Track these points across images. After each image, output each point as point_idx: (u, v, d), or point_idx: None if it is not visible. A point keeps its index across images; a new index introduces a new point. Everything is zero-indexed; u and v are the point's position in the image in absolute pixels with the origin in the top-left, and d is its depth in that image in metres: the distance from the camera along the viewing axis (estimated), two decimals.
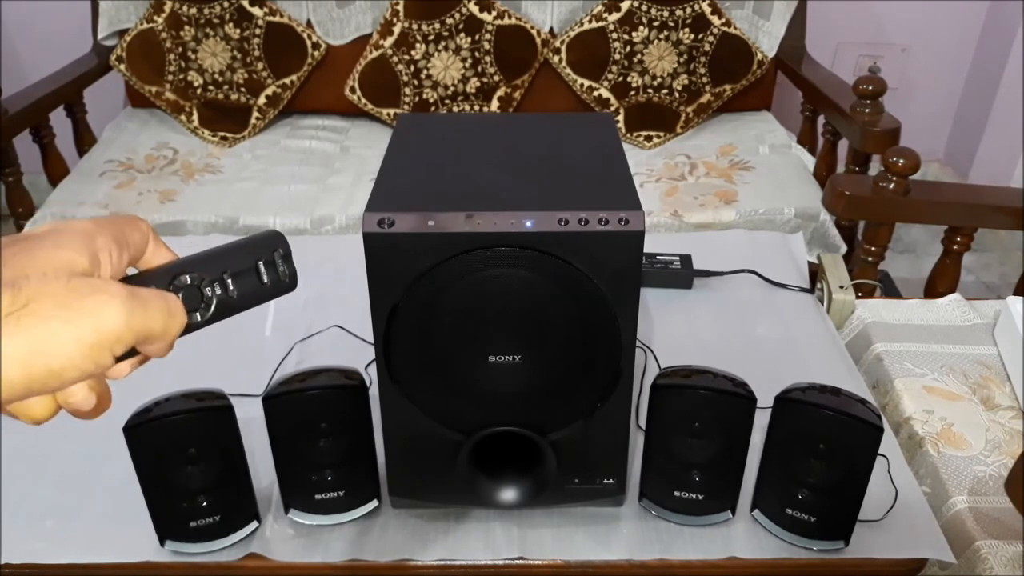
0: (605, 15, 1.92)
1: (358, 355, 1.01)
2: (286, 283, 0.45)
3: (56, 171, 1.89)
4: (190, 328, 0.41)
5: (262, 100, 1.99)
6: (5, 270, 0.34)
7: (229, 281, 0.42)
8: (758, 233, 1.39)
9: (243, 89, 1.98)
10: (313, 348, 1.07)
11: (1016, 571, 0.85)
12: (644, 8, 1.90)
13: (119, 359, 0.38)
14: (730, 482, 0.81)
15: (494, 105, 1.99)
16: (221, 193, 1.77)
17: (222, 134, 1.99)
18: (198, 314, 0.41)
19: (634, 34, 1.92)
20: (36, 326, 0.33)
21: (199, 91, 1.98)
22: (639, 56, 1.94)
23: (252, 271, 0.44)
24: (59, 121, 1.91)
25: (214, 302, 0.42)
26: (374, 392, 0.75)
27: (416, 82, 1.96)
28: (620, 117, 1.98)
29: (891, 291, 2.13)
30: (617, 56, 1.94)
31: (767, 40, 1.99)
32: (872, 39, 2.42)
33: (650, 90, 1.97)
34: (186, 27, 1.93)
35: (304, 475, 0.80)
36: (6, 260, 0.35)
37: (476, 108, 1.99)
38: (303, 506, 0.82)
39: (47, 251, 0.36)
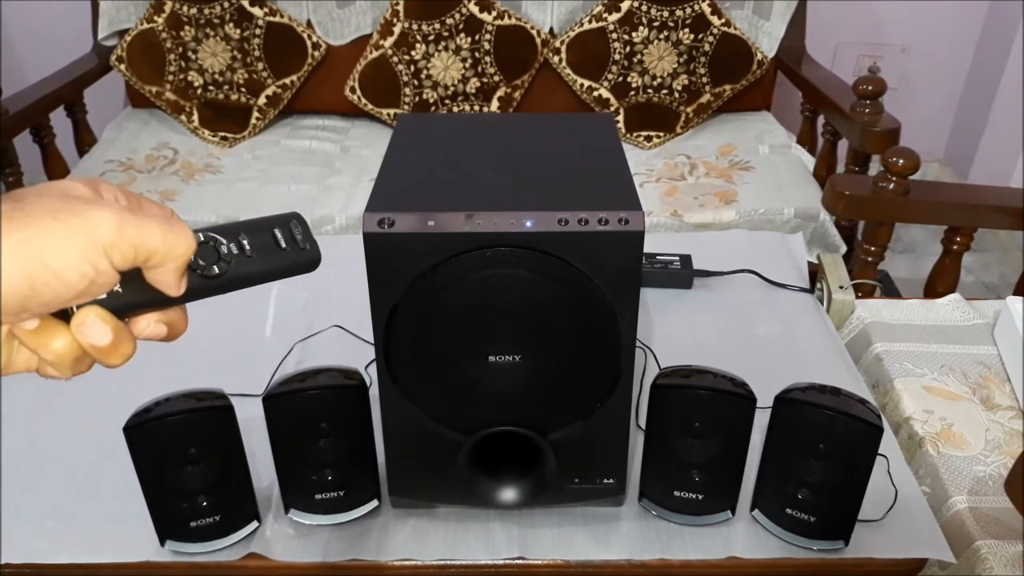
0: (605, 15, 1.92)
1: (358, 355, 1.01)
2: (306, 251, 0.45)
3: (56, 171, 1.89)
4: (209, 286, 0.42)
5: (262, 100, 1.99)
6: (6, 194, 0.36)
7: (245, 242, 0.43)
8: (758, 233, 1.39)
9: (243, 89, 1.98)
10: (313, 348, 1.07)
11: (1016, 571, 0.85)
12: (644, 8, 1.90)
13: (134, 310, 0.39)
14: (730, 482, 0.81)
15: (494, 105, 2.00)
16: (221, 193, 1.77)
17: (222, 134, 1.99)
18: (216, 267, 0.42)
19: (634, 34, 1.92)
20: (31, 225, 0.34)
21: (199, 91, 1.98)
22: (639, 56, 1.94)
23: (268, 234, 0.44)
24: (59, 121, 1.91)
25: (232, 260, 0.42)
26: (374, 392, 0.76)
27: (416, 82, 1.97)
28: (620, 117, 1.99)
29: (891, 291, 2.13)
30: (617, 56, 1.94)
31: (767, 40, 1.99)
32: (872, 39, 2.42)
33: (650, 90, 1.97)
34: (186, 27, 1.93)
35: (304, 475, 0.80)
36: (9, 193, 0.37)
37: (476, 108, 1.99)
38: (303, 506, 0.82)
39: (47, 183, 0.38)
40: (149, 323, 0.41)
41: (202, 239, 0.42)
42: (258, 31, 1.94)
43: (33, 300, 0.35)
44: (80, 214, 0.36)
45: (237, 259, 0.43)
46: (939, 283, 1.42)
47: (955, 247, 1.39)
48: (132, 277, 0.39)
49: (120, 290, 0.39)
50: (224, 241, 0.43)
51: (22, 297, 0.34)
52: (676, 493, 0.82)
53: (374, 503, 0.84)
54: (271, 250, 0.44)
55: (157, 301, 0.40)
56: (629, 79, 1.96)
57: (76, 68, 1.97)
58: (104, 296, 0.38)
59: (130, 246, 0.37)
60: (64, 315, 0.38)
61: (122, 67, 1.99)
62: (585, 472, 0.80)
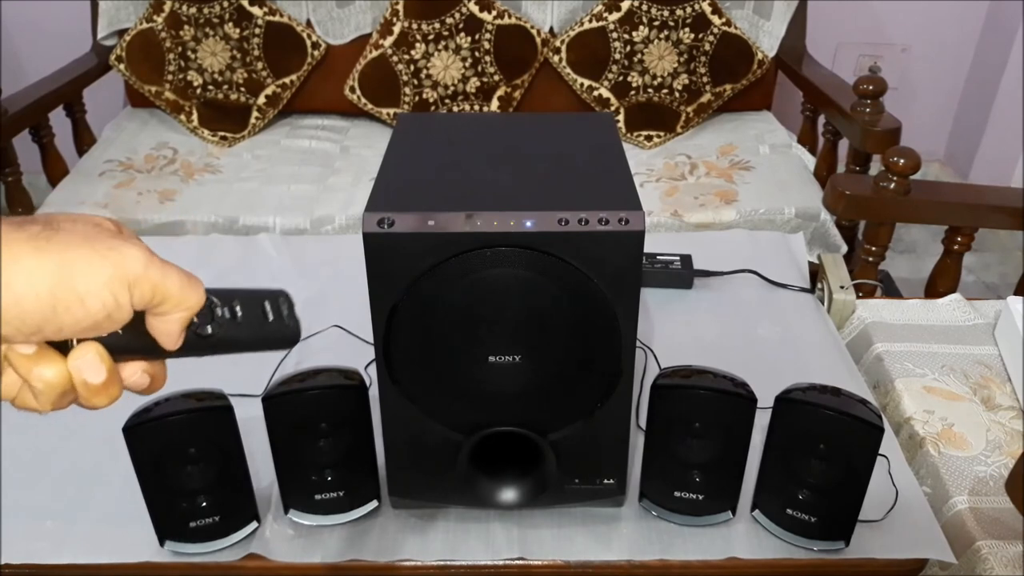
0: (605, 15, 1.92)
1: (358, 355, 1.01)
2: (289, 328, 0.48)
3: (56, 171, 1.88)
4: (198, 345, 0.43)
5: (262, 100, 1.99)
6: (39, 216, 0.38)
7: (237, 308, 0.45)
8: (758, 233, 1.39)
9: (243, 89, 1.98)
10: (313, 348, 1.07)
11: (1016, 571, 0.85)
12: (644, 8, 1.90)
13: (130, 355, 0.40)
14: (730, 482, 0.81)
15: (494, 105, 1.99)
16: (221, 193, 1.77)
17: (222, 134, 1.99)
18: (209, 327, 0.43)
19: (634, 34, 1.92)
20: (67, 249, 0.35)
21: (199, 91, 1.98)
22: (639, 56, 1.93)
23: (259, 306, 0.47)
24: (59, 121, 1.91)
25: (223, 324, 0.44)
26: (374, 392, 0.75)
27: (416, 82, 1.96)
28: (620, 117, 1.98)
29: (891, 291, 2.13)
30: (617, 56, 1.94)
31: (767, 40, 1.99)
32: (872, 39, 2.42)
33: (650, 90, 1.97)
34: (186, 27, 1.93)
35: (304, 475, 0.80)
36: (42, 215, 0.38)
37: (476, 108, 1.99)
38: (303, 506, 0.82)
39: (78, 215, 0.39)
40: (136, 371, 0.41)
41: None
42: (257, 31, 1.94)
43: (51, 323, 0.35)
44: (113, 247, 0.37)
45: (227, 324, 0.44)
46: (940, 283, 1.42)
47: (956, 247, 1.39)
48: (133, 322, 0.39)
49: (120, 332, 0.39)
50: (219, 303, 0.44)
51: (42, 318, 0.35)
52: (676, 493, 0.82)
53: (374, 503, 0.84)
54: (258, 320, 0.46)
55: (149, 349, 0.41)
56: (629, 79, 1.96)
57: (75, 68, 1.97)
58: (104, 335, 0.39)
59: (150, 286, 0.38)
60: (61, 347, 0.38)
61: (121, 67, 1.99)
62: (585, 472, 0.80)
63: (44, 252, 0.34)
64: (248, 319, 0.45)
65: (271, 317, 0.47)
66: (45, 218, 0.37)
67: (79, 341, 0.38)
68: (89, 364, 0.38)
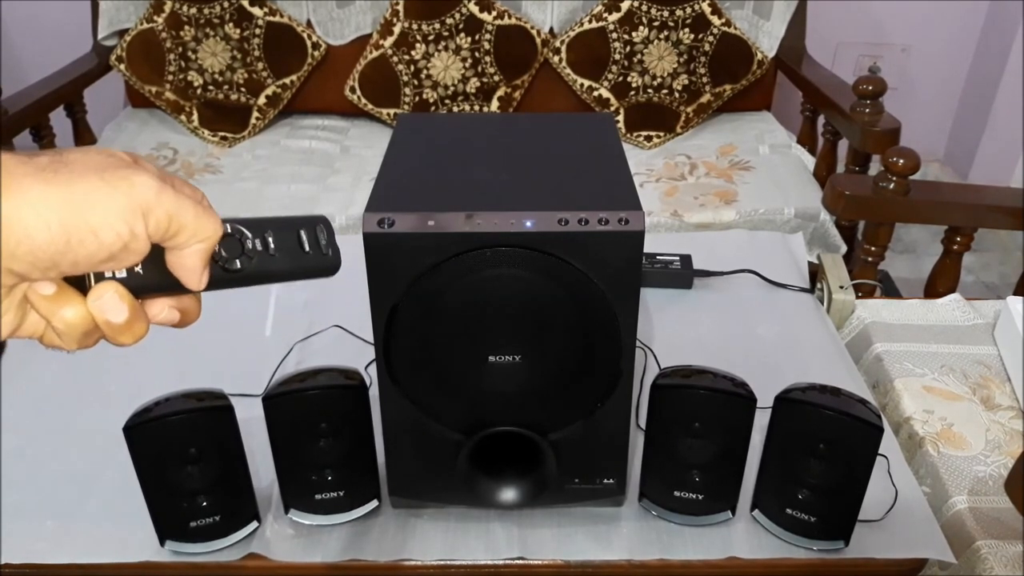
0: (605, 15, 1.92)
1: (358, 355, 1.01)
2: (328, 257, 0.45)
3: None
4: (228, 280, 0.41)
5: (262, 100, 1.99)
6: (49, 150, 0.37)
7: (270, 239, 0.43)
8: (758, 233, 1.39)
9: (243, 89, 1.98)
10: (313, 348, 1.07)
11: (1016, 571, 0.85)
12: (644, 8, 1.90)
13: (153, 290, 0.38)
14: (730, 482, 0.81)
15: (494, 105, 1.99)
16: (221, 193, 1.77)
17: (222, 134, 1.99)
18: (239, 261, 0.41)
19: (634, 34, 1.92)
20: (75, 181, 0.34)
21: (199, 91, 1.98)
22: (639, 56, 1.94)
23: (293, 235, 0.44)
24: (59, 121, 1.91)
25: (255, 257, 0.42)
26: (374, 392, 0.76)
27: (416, 82, 1.96)
28: (620, 117, 1.99)
29: (891, 291, 2.13)
30: (617, 56, 1.94)
31: (767, 40, 1.99)
32: (872, 39, 2.42)
33: (650, 90, 1.97)
34: (186, 27, 1.93)
35: (304, 475, 0.80)
36: (51, 149, 0.37)
37: (476, 108, 1.99)
38: (303, 506, 0.82)
39: (90, 148, 0.39)
40: (163, 308, 0.40)
41: (228, 230, 0.41)
42: (258, 31, 1.94)
43: (66, 256, 0.34)
44: (124, 176, 0.36)
45: (260, 256, 0.42)
46: (939, 283, 1.42)
47: (955, 247, 1.39)
48: (154, 259, 0.38)
49: (140, 271, 0.38)
50: (250, 236, 0.42)
51: (55, 251, 0.34)
52: (676, 493, 0.82)
53: (374, 503, 0.84)
54: (294, 251, 0.44)
55: (175, 286, 0.40)
56: (629, 79, 1.96)
57: (76, 68, 1.97)
58: (124, 275, 0.38)
59: (165, 214, 0.36)
60: (81, 287, 0.38)
61: (122, 67, 1.99)
62: (585, 472, 0.80)
63: (52, 184, 0.34)
64: (282, 251, 0.43)
65: (308, 248, 0.44)
66: (54, 151, 0.36)
67: (98, 279, 0.38)
68: (109, 303, 0.37)
